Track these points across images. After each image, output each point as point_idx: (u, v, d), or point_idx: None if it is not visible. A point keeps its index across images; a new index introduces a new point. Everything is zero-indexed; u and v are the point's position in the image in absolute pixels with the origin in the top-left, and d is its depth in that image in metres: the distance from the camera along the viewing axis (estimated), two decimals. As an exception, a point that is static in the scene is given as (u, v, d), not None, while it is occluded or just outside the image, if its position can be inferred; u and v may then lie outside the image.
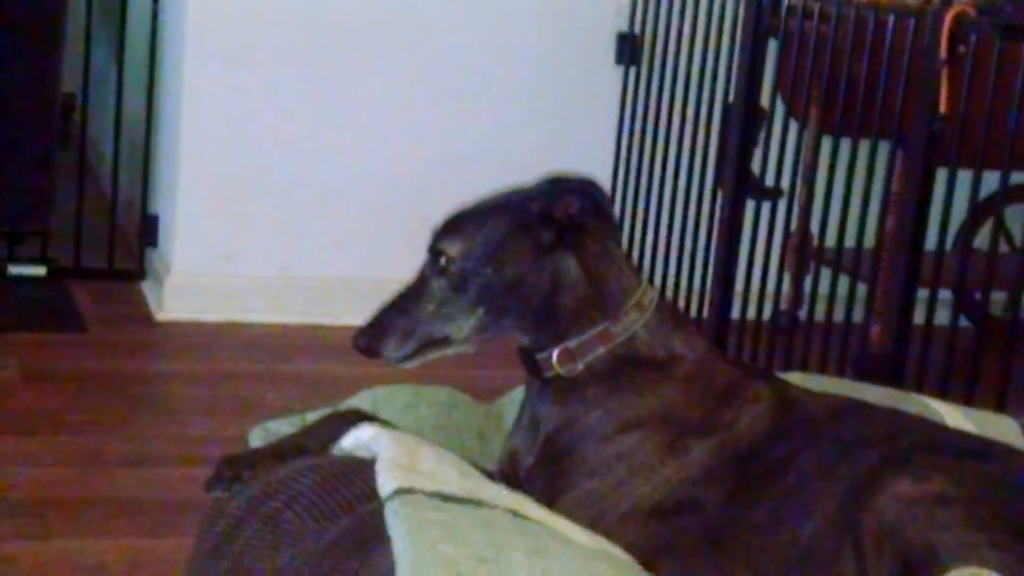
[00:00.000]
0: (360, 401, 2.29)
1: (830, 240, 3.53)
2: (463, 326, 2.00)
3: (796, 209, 3.68)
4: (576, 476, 1.96)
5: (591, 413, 1.98)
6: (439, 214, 4.45)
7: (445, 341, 2.01)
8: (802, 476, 1.91)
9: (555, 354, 1.98)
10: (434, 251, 2.01)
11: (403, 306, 2.00)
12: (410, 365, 2.03)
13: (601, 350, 1.98)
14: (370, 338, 2.00)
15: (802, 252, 3.73)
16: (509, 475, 2.06)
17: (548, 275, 1.98)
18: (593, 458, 1.96)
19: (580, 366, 1.98)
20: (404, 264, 4.26)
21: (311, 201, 4.29)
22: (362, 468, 1.93)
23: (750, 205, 3.77)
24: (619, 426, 1.97)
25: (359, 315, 4.19)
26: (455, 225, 2.02)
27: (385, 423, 2.11)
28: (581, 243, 1.99)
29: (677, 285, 4.00)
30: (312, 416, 2.23)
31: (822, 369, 3.29)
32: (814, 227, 3.62)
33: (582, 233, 1.99)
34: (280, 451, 2.07)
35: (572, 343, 1.98)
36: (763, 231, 3.71)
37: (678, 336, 2.02)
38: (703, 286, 3.89)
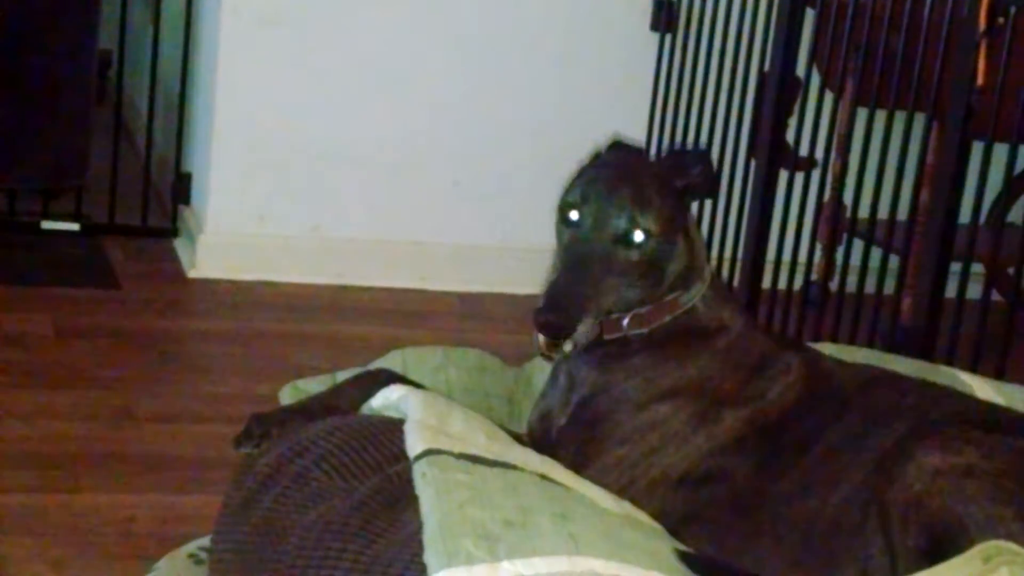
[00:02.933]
0: (390, 362, 2.29)
1: (863, 212, 3.51)
2: (622, 298, 1.95)
3: (830, 180, 3.66)
4: (608, 442, 1.97)
5: (631, 380, 1.98)
6: (472, 178, 4.45)
7: (606, 315, 1.95)
8: (830, 447, 1.91)
9: (627, 319, 1.97)
10: (625, 224, 1.91)
11: (585, 280, 1.89)
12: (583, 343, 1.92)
13: (667, 318, 1.99)
14: (557, 316, 1.86)
15: (835, 223, 3.71)
16: (539, 436, 2.06)
17: (680, 243, 1.97)
18: (627, 425, 1.96)
19: (646, 331, 1.98)
20: (435, 227, 4.33)
21: (344, 162, 4.28)
22: (391, 428, 1.93)
23: (784, 175, 3.75)
24: (655, 394, 1.97)
25: (391, 277, 4.27)
26: (639, 199, 1.92)
27: (414, 384, 2.11)
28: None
29: (709, 254, 3.98)
30: (342, 375, 2.23)
31: (852, 341, 3.27)
32: (847, 198, 3.60)
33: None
34: (310, 410, 2.08)
35: (644, 309, 1.97)
36: (796, 202, 3.69)
37: (727, 308, 2.03)
38: (735, 255, 3.88)
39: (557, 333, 1.87)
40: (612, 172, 1.96)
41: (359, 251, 4.29)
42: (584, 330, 1.88)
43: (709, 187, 2.02)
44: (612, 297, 1.93)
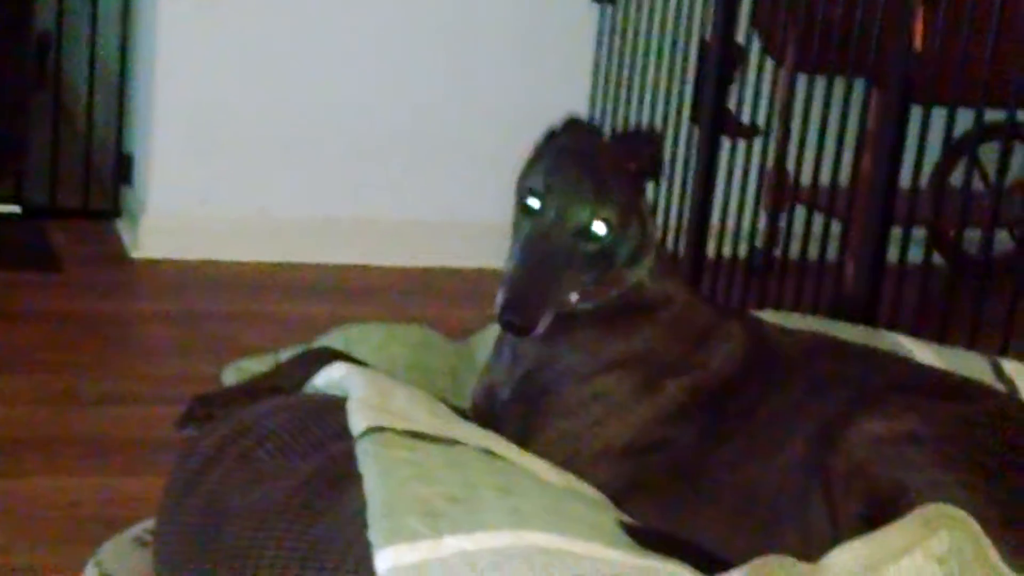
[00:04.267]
0: (333, 340, 2.29)
1: (806, 178, 3.52)
2: (581, 290, 1.95)
3: (772, 147, 3.67)
4: (552, 415, 1.97)
5: (575, 353, 1.98)
6: (415, 154, 4.43)
7: (561, 306, 1.93)
8: (773, 414, 1.92)
9: (575, 295, 1.95)
10: (588, 218, 1.89)
11: (547, 276, 1.89)
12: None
13: (614, 293, 1.98)
14: (521, 315, 1.86)
15: (778, 190, 3.72)
16: (483, 411, 2.05)
17: (635, 225, 1.96)
18: (570, 398, 1.96)
19: (592, 306, 1.97)
20: (380, 203, 4.31)
21: (288, 140, 4.26)
22: (334, 407, 1.93)
23: (726, 143, 3.76)
24: (599, 367, 1.97)
25: (335, 254, 4.25)
26: (601, 191, 1.91)
27: (357, 362, 2.10)
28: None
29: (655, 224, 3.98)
30: (285, 355, 2.22)
31: (796, 308, 3.29)
32: (790, 165, 3.61)
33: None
34: (253, 390, 2.07)
35: (591, 285, 1.96)
36: (739, 169, 3.69)
37: (672, 281, 2.04)
38: (679, 224, 3.88)
39: (522, 332, 1.88)
40: (574, 161, 1.94)
41: (303, 228, 4.27)
42: (545, 323, 1.88)
43: (657, 170, 2.01)
44: (573, 289, 1.93)
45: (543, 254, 1.89)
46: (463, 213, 4.34)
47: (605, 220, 1.90)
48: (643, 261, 1.99)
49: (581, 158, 1.94)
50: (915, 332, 2.57)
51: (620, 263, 1.96)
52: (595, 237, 1.90)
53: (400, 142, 4.33)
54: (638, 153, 1.98)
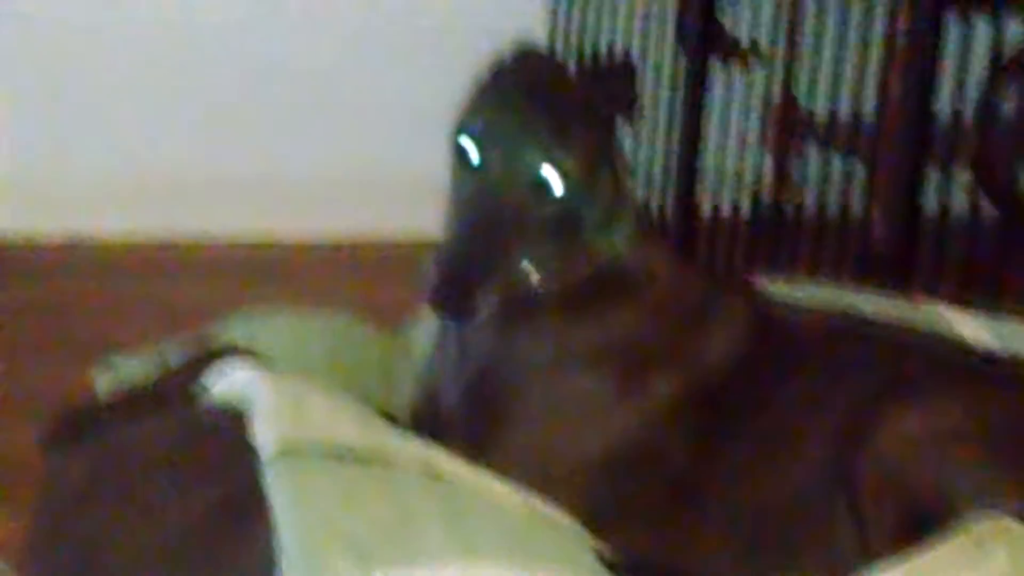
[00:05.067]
0: (232, 331, 2.30)
1: (820, 110, 3.54)
2: (541, 264, 1.94)
3: (778, 72, 3.69)
4: (513, 423, 1.98)
5: (539, 345, 1.99)
6: (329, 96, 4.43)
7: (515, 286, 1.93)
8: (786, 412, 1.93)
9: (534, 272, 1.95)
10: (542, 167, 1.89)
11: (491, 246, 1.87)
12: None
13: (583, 269, 1.99)
14: (456, 296, 1.84)
15: (786, 125, 3.74)
16: (425, 419, 2.07)
17: (605, 179, 1.96)
18: (535, 400, 1.98)
19: (555, 287, 1.98)
20: (283, 159, 4.31)
21: (168, 81, 4.27)
22: (235, 420, 1.93)
23: (719, 67, 3.77)
24: (570, 361, 1.98)
25: (231, 223, 4.24)
26: (559, 132, 1.90)
27: (264, 360, 2.11)
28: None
29: (633, 179, 4.00)
30: (172, 353, 2.23)
31: (813, 274, 3.31)
32: (800, 94, 3.63)
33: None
34: (133, 401, 2.08)
35: (553, 259, 1.96)
36: (737, 101, 3.71)
37: (656, 250, 2.05)
38: (664, 175, 3.89)
39: (458, 317, 1.87)
40: (522, 97, 1.94)
41: (189, 194, 4.27)
42: (489, 307, 1.87)
43: (632, 107, 2.02)
44: (524, 260, 1.92)
45: (485, 217, 1.88)
46: (390, 169, 4.34)
47: (565, 171, 1.90)
48: (618, 226, 2.00)
49: (534, 94, 1.94)
50: (960, 300, 2.59)
51: (589, 229, 1.96)
52: (552, 194, 1.90)
53: (314, 80, 4.33)
54: (608, 87, 1.99)
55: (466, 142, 1.92)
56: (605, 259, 2.00)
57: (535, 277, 1.95)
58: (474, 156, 1.91)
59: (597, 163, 1.94)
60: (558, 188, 1.89)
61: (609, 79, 2.05)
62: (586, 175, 1.92)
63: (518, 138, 1.90)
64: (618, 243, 2.00)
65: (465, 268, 1.86)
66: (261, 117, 4.30)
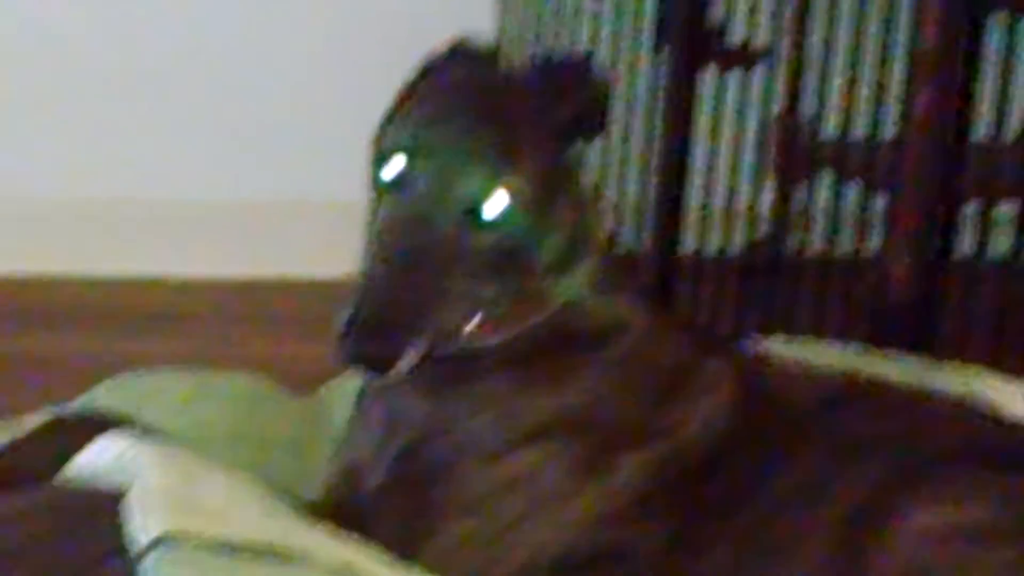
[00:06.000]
0: (112, 396, 2.30)
1: (830, 129, 3.56)
2: (472, 299, 1.92)
3: (779, 81, 3.70)
4: (450, 510, 1.99)
5: (481, 414, 2.00)
6: (238, 108, 4.42)
7: (442, 335, 1.89)
8: (779, 503, 1.95)
9: (474, 323, 1.94)
10: (483, 188, 1.88)
11: (417, 281, 1.85)
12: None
13: (535, 317, 1.99)
14: (372, 343, 1.82)
15: (789, 146, 3.75)
16: (343, 503, 2.07)
17: (561, 206, 1.96)
18: (477, 483, 1.99)
19: (501, 340, 1.98)
20: (183, 181, 4.31)
21: (37, 89, 4.28)
22: (109, 503, 1.93)
23: (710, 74, 3.79)
24: (519, 435, 1.99)
25: (116, 260, 4.24)
26: (504, 146, 1.89)
27: (149, 431, 2.11)
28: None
29: (600, 209, 4.01)
30: (32, 421, 2.22)
31: (817, 328, 3.32)
32: (805, 108, 3.65)
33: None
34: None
35: (499, 308, 1.95)
36: (729, 115, 3.73)
37: (624, 296, 2.06)
38: (638, 203, 3.91)
39: (376, 369, 1.85)
40: (462, 103, 1.94)
41: (62, 224, 4.27)
42: (414, 355, 1.85)
43: (600, 120, 2.02)
44: (460, 302, 1.90)
45: (413, 250, 1.87)
46: (311, 192, 4.35)
47: (512, 191, 1.89)
48: (579, 264, 2.00)
49: (473, 99, 1.95)
50: (996, 363, 2.60)
51: (542, 268, 1.96)
52: (496, 223, 1.89)
53: (217, 93, 4.35)
54: (568, 94, 1.99)
55: (387, 154, 1.91)
56: (562, 305, 2.00)
57: (475, 326, 1.95)
58: (399, 171, 1.91)
59: (552, 185, 1.94)
60: (503, 215, 1.89)
61: (566, 77, 2.03)
62: (538, 200, 1.91)
63: (454, 153, 1.89)
64: (578, 285, 2.01)
65: (388, 311, 1.84)
66: (145, 137, 4.31)
